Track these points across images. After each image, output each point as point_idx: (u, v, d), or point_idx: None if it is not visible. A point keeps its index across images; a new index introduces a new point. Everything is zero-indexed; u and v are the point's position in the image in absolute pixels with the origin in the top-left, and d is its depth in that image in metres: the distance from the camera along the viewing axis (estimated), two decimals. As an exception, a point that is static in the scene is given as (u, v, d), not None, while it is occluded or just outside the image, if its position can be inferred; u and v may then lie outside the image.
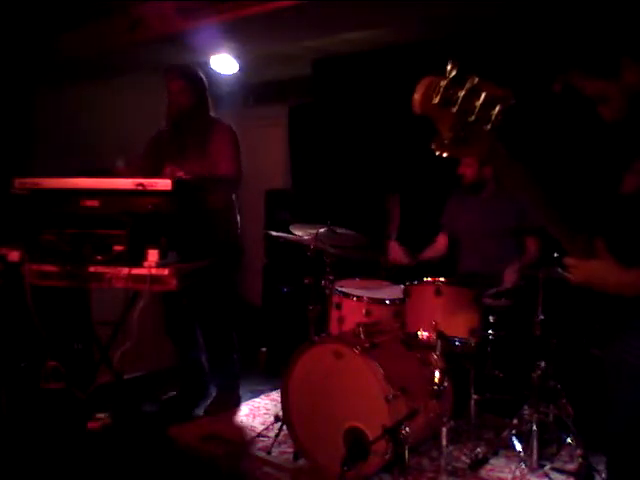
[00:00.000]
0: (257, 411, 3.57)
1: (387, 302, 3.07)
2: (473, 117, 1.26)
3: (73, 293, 2.94)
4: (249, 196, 5.41)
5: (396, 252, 3.40)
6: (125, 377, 3.41)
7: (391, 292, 3.20)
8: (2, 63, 4.00)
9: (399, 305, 3.00)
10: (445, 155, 1.29)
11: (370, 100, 4.58)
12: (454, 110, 1.25)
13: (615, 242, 1.49)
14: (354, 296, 3.08)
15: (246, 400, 3.74)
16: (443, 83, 1.24)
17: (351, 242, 3.36)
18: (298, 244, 3.34)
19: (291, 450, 2.88)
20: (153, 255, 2.70)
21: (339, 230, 3.30)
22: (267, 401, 3.74)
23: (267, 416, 3.43)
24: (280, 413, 2.92)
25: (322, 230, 3.24)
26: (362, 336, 2.74)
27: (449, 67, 1.23)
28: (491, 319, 2.98)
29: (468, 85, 1.25)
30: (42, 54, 4.26)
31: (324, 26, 3.79)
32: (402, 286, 2.99)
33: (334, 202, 4.69)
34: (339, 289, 3.17)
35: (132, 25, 3.85)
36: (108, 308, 3.13)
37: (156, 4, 3.81)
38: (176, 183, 2.76)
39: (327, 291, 3.24)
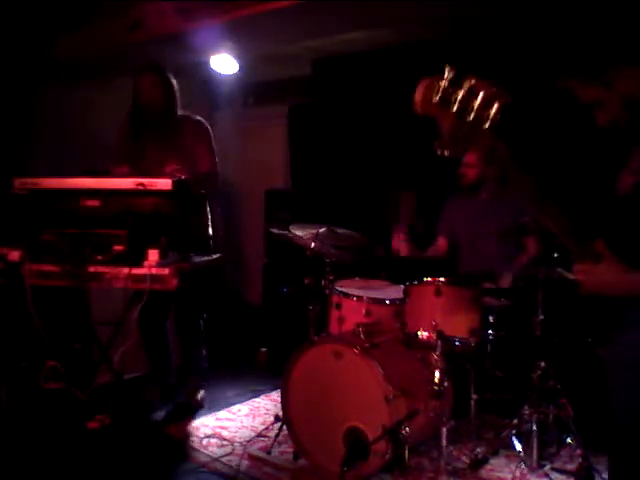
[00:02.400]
0: (257, 411, 3.57)
1: (387, 302, 3.07)
2: (472, 116, 1.29)
3: (73, 293, 2.94)
4: (249, 196, 5.43)
5: (399, 242, 3.41)
6: (125, 377, 3.41)
7: (391, 292, 3.20)
8: (2, 63, 4.00)
9: (399, 305, 3.00)
10: (446, 154, 1.32)
11: (370, 100, 4.58)
12: (453, 110, 1.28)
13: (615, 243, 1.51)
14: (354, 296, 3.08)
15: (246, 400, 3.74)
16: (442, 83, 1.28)
17: (351, 242, 3.36)
18: (298, 244, 3.34)
19: (291, 450, 2.88)
20: (153, 255, 2.70)
21: (339, 230, 3.30)
22: (267, 401, 3.74)
23: (267, 416, 3.43)
24: (280, 413, 2.92)
25: (322, 230, 3.24)
26: (362, 336, 2.74)
27: (446, 69, 1.27)
28: (491, 319, 2.99)
29: (466, 85, 1.28)
30: (42, 54, 4.26)
31: (324, 26, 3.79)
32: (402, 286, 2.99)
33: (334, 202, 4.70)
34: (339, 289, 3.16)
35: (132, 25, 3.86)
36: (108, 308, 3.13)
37: (156, 4, 3.81)
38: (176, 183, 2.76)
39: (327, 291, 3.24)
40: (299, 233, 3.35)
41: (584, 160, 3.26)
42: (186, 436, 3.16)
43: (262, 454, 2.94)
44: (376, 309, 3.05)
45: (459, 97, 1.28)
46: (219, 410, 3.54)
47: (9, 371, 3.10)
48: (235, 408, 3.60)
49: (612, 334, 1.64)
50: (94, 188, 2.84)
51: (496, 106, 1.29)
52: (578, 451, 2.72)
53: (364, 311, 3.03)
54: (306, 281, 3.32)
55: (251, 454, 2.95)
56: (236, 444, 3.06)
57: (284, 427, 2.90)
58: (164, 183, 2.74)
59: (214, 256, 3.18)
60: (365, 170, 4.67)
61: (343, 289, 3.16)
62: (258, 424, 3.33)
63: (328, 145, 4.90)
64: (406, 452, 2.32)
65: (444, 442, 2.67)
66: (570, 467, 2.77)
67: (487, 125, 1.30)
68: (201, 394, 3.63)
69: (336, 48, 4.42)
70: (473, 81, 1.28)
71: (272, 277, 5.10)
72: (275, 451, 2.95)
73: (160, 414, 3.45)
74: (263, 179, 5.28)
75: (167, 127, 3.39)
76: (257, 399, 3.77)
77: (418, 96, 1.30)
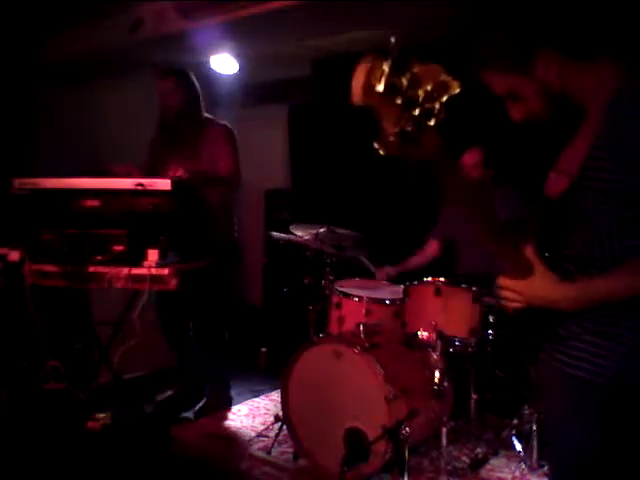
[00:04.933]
0: (257, 411, 3.57)
1: (387, 302, 3.07)
2: (418, 110, 1.06)
3: (73, 293, 2.94)
4: (249, 196, 5.42)
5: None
6: (125, 377, 3.42)
7: (391, 292, 3.21)
8: (2, 63, 4.00)
9: (399, 305, 3.00)
10: (391, 155, 1.10)
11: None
12: (399, 101, 1.04)
13: (546, 250, 1.35)
14: (354, 296, 3.08)
15: (246, 400, 3.74)
16: (387, 67, 1.03)
17: (351, 242, 3.36)
18: (298, 244, 3.35)
19: (291, 450, 2.88)
20: (153, 255, 2.70)
21: (339, 230, 3.30)
22: (267, 401, 3.74)
23: (267, 416, 3.43)
24: (280, 413, 2.92)
25: (322, 230, 3.24)
26: (362, 336, 2.74)
27: (391, 46, 1.04)
28: (491, 319, 2.98)
29: (412, 71, 1.05)
30: (42, 54, 4.26)
31: (324, 26, 3.79)
32: (402, 286, 2.99)
33: (334, 202, 4.70)
34: (339, 289, 3.16)
35: (132, 25, 3.85)
36: (108, 308, 3.14)
37: (156, 4, 3.81)
38: (175, 183, 2.76)
39: (327, 291, 3.24)
40: (299, 233, 3.35)
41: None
42: (186, 436, 3.16)
43: (262, 454, 2.94)
44: (376, 309, 3.05)
45: (405, 85, 1.04)
46: (219, 410, 3.54)
47: (9, 371, 3.10)
48: (235, 408, 3.60)
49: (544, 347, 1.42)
50: (94, 188, 2.85)
51: (444, 98, 1.07)
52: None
53: (364, 311, 3.03)
54: (306, 281, 3.32)
55: (251, 454, 2.95)
56: (236, 444, 3.06)
57: (284, 427, 2.89)
58: (163, 183, 2.74)
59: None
60: (365, 170, 4.67)
61: (343, 289, 3.16)
62: (258, 424, 3.33)
63: (328, 145, 4.90)
64: (406, 452, 2.31)
65: (444, 442, 2.67)
66: (570, 467, 2.77)
67: (432, 122, 1.07)
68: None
69: (336, 48, 4.42)
70: (419, 66, 1.05)
71: (272, 277, 5.10)
72: (275, 451, 2.95)
73: (160, 414, 3.45)
74: (263, 179, 5.27)
75: (189, 130, 3.37)
76: (257, 399, 3.77)
77: (357, 82, 1.05)
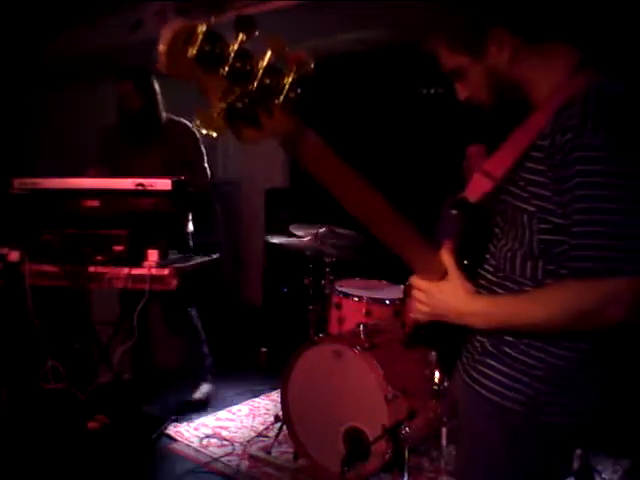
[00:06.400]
0: (257, 411, 3.57)
1: (387, 302, 3.07)
2: (255, 84, 0.90)
3: (73, 293, 2.94)
4: (249, 196, 5.43)
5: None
6: (125, 377, 3.42)
7: (391, 292, 3.20)
8: (2, 64, 4.01)
9: (399, 305, 3.00)
10: (214, 134, 0.92)
11: (370, 100, 4.58)
12: (223, 71, 0.88)
13: (467, 257, 1.23)
14: (354, 296, 3.08)
15: (246, 400, 3.74)
16: (202, 29, 0.87)
17: (351, 242, 3.36)
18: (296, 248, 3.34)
19: (291, 450, 2.88)
20: (153, 255, 2.70)
21: (339, 230, 3.30)
22: (267, 401, 3.73)
23: (267, 416, 3.43)
24: (280, 413, 2.92)
25: (322, 230, 3.24)
26: (362, 336, 2.74)
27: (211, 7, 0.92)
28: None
29: (243, 37, 0.88)
30: (42, 54, 4.26)
31: (324, 26, 3.80)
32: (402, 286, 2.98)
33: (334, 202, 4.70)
34: (339, 289, 3.16)
35: (132, 25, 3.86)
36: (108, 308, 3.14)
37: (156, 4, 3.82)
38: (175, 183, 2.76)
39: (327, 291, 3.24)
40: (299, 233, 3.35)
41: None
42: (186, 436, 3.16)
43: (262, 454, 2.94)
44: (376, 309, 3.04)
45: (232, 54, 0.88)
46: (219, 410, 3.54)
47: (9, 371, 3.10)
48: (235, 408, 3.59)
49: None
50: (94, 188, 2.85)
51: (293, 76, 0.91)
52: (578, 451, 2.72)
53: (364, 311, 3.03)
54: (306, 281, 3.31)
55: (251, 454, 2.95)
56: (236, 444, 3.06)
57: (284, 427, 2.89)
58: (163, 183, 2.74)
59: (213, 256, 3.18)
60: (364, 169, 4.67)
61: (343, 289, 3.16)
62: (258, 424, 3.33)
63: (327, 144, 4.90)
64: (406, 452, 2.32)
65: (444, 442, 2.66)
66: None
67: (280, 100, 0.93)
68: (200, 393, 3.59)
69: (336, 48, 4.43)
70: (257, 33, 0.88)
71: (272, 277, 5.10)
72: (275, 451, 2.95)
73: (160, 414, 3.45)
74: (263, 178, 5.28)
75: (147, 133, 3.31)
76: (257, 399, 3.77)
77: (163, 46, 0.86)
